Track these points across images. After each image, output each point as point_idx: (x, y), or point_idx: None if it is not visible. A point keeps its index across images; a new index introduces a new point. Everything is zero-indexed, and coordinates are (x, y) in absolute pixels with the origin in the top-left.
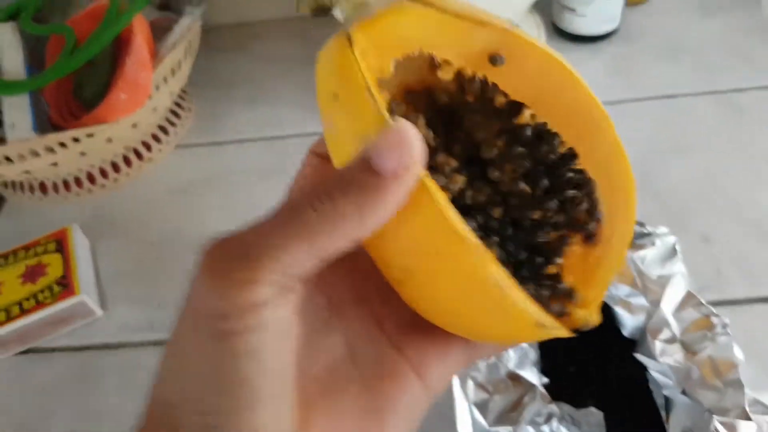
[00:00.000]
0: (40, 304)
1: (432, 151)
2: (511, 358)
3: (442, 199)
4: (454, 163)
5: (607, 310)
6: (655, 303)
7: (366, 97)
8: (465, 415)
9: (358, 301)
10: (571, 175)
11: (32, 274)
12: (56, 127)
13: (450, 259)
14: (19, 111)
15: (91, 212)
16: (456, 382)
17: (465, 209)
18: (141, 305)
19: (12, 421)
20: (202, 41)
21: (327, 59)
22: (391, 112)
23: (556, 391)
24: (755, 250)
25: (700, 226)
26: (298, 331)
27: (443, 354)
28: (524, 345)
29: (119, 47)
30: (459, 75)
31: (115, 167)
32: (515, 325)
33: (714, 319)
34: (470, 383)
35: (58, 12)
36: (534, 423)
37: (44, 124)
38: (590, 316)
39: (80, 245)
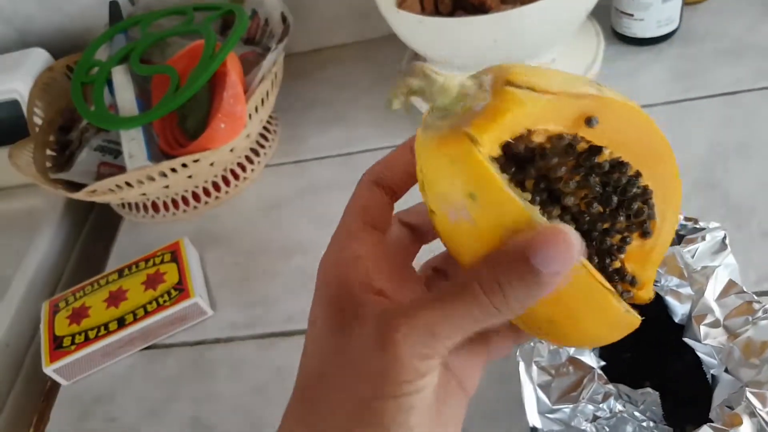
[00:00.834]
0: (160, 307)
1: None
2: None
3: (592, 269)
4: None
5: (658, 300)
6: (700, 292)
7: (508, 197)
8: (531, 395)
9: None
10: (636, 191)
11: (152, 282)
12: (165, 155)
13: (595, 306)
14: (135, 143)
15: (197, 226)
16: (522, 366)
17: None
18: (244, 306)
19: (141, 406)
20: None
21: (449, 159)
22: (532, 201)
23: (612, 374)
24: None
25: (762, 221)
26: None
27: (479, 368)
28: None
29: (215, 81)
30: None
31: (216, 187)
32: (618, 327)
33: (755, 305)
34: (534, 367)
35: (157, 52)
36: (593, 401)
37: (156, 153)
38: (649, 293)
39: (191, 255)
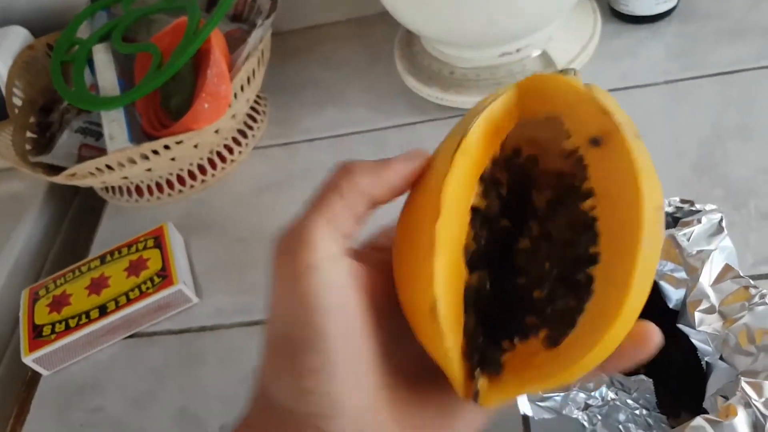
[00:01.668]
0: (143, 294)
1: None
2: None
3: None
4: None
5: (653, 285)
6: (695, 276)
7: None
8: None
9: None
10: (581, 278)
11: (135, 268)
12: (148, 136)
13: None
14: (116, 124)
15: (182, 211)
16: None
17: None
18: (231, 292)
19: (126, 395)
20: (271, 47)
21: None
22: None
23: None
24: None
25: (760, 203)
26: (363, 298)
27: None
28: None
29: (199, 59)
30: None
31: (202, 170)
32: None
33: (752, 290)
34: None
35: (142, 30)
36: (584, 388)
37: (138, 134)
38: (483, 397)
39: (175, 241)
